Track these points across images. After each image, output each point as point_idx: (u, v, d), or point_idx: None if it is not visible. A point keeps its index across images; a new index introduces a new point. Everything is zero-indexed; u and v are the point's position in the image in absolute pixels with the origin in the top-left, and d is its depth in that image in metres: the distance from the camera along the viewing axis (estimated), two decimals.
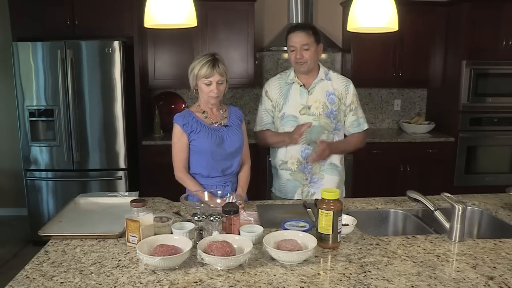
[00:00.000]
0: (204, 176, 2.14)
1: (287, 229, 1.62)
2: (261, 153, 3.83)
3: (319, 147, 2.20)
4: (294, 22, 4.09)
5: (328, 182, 2.34)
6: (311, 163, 2.30)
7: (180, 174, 2.13)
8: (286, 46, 2.30)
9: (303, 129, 2.19)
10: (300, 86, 2.33)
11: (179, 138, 2.11)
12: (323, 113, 2.30)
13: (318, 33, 2.29)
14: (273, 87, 2.39)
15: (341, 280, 1.33)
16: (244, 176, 2.24)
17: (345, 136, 2.42)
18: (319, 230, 1.55)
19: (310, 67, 2.29)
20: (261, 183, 3.90)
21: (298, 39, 2.23)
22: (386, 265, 1.43)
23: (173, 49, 4.04)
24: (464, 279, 1.34)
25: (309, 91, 2.32)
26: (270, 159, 2.54)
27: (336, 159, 2.37)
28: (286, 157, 2.37)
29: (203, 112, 2.14)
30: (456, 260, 1.48)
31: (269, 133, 2.41)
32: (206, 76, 2.01)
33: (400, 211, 2.01)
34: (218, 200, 1.90)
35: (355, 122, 2.38)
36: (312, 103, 2.31)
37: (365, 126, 2.41)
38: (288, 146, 2.33)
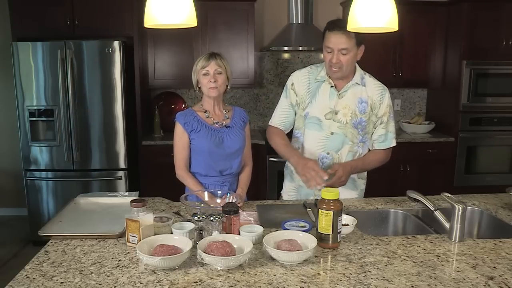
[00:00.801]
0: (202, 175, 2.15)
1: (287, 229, 1.62)
2: (261, 153, 3.83)
3: (335, 175, 1.94)
4: (294, 22, 4.10)
5: (344, 194, 2.05)
6: (311, 187, 1.98)
7: (181, 172, 2.13)
8: (323, 44, 2.04)
9: (315, 181, 1.90)
10: (331, 87, 2.09)
11: (180, 137, 2.12)
12: (350, 122, 2.08)
13: (361, 35, 1.99)
14: (301, 81, 2.15)
15: (341, 280, 1.33)
16: (245, 177, 2.24)
17: (369, 150, 2.21)
18: (319, 230, 1.55)
19: (345, 74, 2.05)
20: (261, 183, 3.91)
21: (337, 40, 1.96)
22: (386, 265, 1.43)
23: (173, 49, 4.04)
24: (464, 279, 1.34)
25: (339, 94, 2.09)
26: (286, 162, 2.30)
27: (355, 174, 2.16)
28: None
29: (205, 112, 2.15)
30: (456, 260, 1.48)
31: (282, 140, 2.17)
32: (203, 67, 2.06)
33: (400, 211, 2.01)
34: (218, 200, 1.90)
35: (382, 137, 2.16)
36: (340, 109, 2.08)
37: (392, 143, 2.20)
38: (305, 149, 2.14)
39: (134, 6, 3.73)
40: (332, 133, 2.10)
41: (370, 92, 2.10)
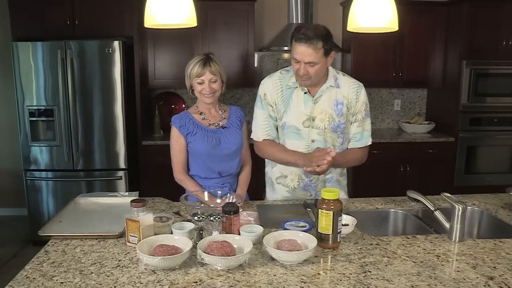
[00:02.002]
0: (202, 178, 2.14)
1: (287, 229, 1.62)
2: None
3: (326, 159, 1.84)
4: (294, 22, 4.09)
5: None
6: (308, 172, 1.96)
7: (180, 176, 2.13)
8: (290, 50, 1.95)
9: (326, 161, 1.82)
10: (305, 93, 2.01)
11: (176, 140, 2.12)
12: (328, 126, 2.01)
13: (330, 39, 1.89)
14: (273, 90, 2.05)
15: (341, 280, 1.33)
16: (244, 177, 2.23)
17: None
18: (319, 230, 1.55)
19: (315, 82, 1.96)
20: (261, 183, 3.90)
21: (303, 52, 1.85)
22: (386, 265, 1.43)
23: (173, 49, 4.04)
24: (464, 279, 1.34)
25: (315, 100, 2.00)
26: (265, 168, 2.24)
27: (337, 173, 2.14)
28: (286, 171, 2.10)
29: (201, 113, 2.14)
30: (456, 260, 1.48)
31: (276, 147, 2.08)
32: (198, 75, 2.03)
33: (400, 211, 2.01)
34: (218, 200, 1.90)
35: (358, 135, 2.08)
36: (317, 114, 2.00)
37: (368, 142, 2.11)
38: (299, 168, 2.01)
39: (134, 6, 3.73)
40: (313, 141, 2.02)
41: (345, 92, 2.02)
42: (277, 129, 2.11)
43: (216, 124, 2.14)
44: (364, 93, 2.07)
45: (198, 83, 2.05)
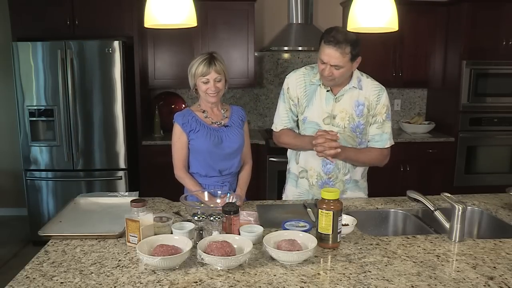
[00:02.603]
0: (202, 176, 2.15)
1: (287, 229, 1.61)
2: (261, 153, 3.83)
3: (330, 137, 1.89)
4: (294, 22, 4.09)
5: (354, 195, 2.15)
6: (319, 155, 1.97)
7: (180, 173, 2.13)
8: (319, 50, 1.95)
9: (327, 138, 1.89)
10: (327, 91, 2.04)
11: (178, 137, 2.12)
12: (348, 126, 2.04)
13: (359, 45, 1.90)
14: (297, 85, 2.09)
15: (341, 280, 1.33)
16: (244, 176, 2.24)
17: None
18: (319, 230, 1.55)
19: (339, 83, 2.00)
20: (261, 183, 3.91)
21: (330, 55, 1.88)
22: (386, 265, 1.43)
23: (173, 49, 4.04)
24: (464, 279, 1.34)
25: (336, 98, 2.04)
26: (288, 165, 2.27)
27: (357, 175, 2.16)
28: (307, 166, 2.13)
29: (203, 112, 2.15)
30: (456, 260, 1.48)
31: (290, 132, 2.14)
32: (203, 74, 2.03)
33: (400, 211, 2.01)
34: (218, 200, 1.90)
35: (377, 136, 2.09)
36: (337, 113, 2.04)
37: (387, 144, 2.11)
38: (308, 152, 2.08)
39: (134, 6, 3.73)
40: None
41: (367, 93, 2.05)
42: (297, 123, 2.16)
43: (218, 123, 2.14)
44: (386, 96, 2.09)
45: (203, 83, 2.05)
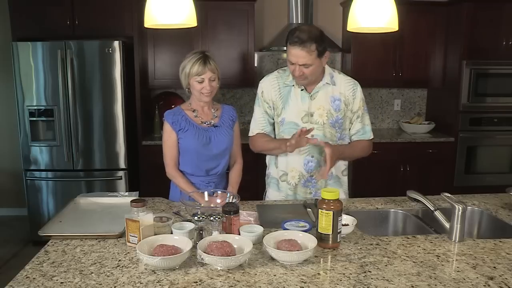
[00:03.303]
0: (188, 174, 2.17)
1: (287, 229, 1.62)
2: (260, 153, 3.82)
3: (326, 157, 1.92)
4: (294, 22, 4.09)
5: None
6: (318, 179, 2.07)
7: (172, 172, 2.15)
8: (286, 52, 1.99)
9: (303, 140, 1.91)
10: (302, 90, 2.07)
11: (169, 135, 2.14)
12: (327, 122, 2.07)
13: (324, 41, 1.94)
14: (270, 88, 2.12)
15: (341, 280, 1.33)
16: (235, 175, 2.26)
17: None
18: (319, 230, 1.55)
19: (312, 80, 2.03)
20: (261, 183, 3.90)
21: (297, 55, 1.91)
22: (386, 265, 1.43)
23: (173, 49, 4.04)
24: (464, 279, 1.34)
25: (311, 96, 2.07)
26: (267, 170, 2.28)
27: (339, 171, 2.18)
28: (287, 168, 2.14)
29: (194, 111, 2.16)
30: (456, 260, 1.48)
31: (265, 137, 2.15)
32: (198, 74, 2.04)
33: (400, 211, 2.01)
34: (218, 200, 1.89)
35: (361, 130, 2.15)
36: (315, 110, 2.07)
37: (370, 136, 2.18)
38: (288, 155, 2.08)
39: (134, 6, 3.72)
40: (312, 136, 2.03)
41: (342, 89, 2.09)
42: (273, 126, 2.17)
43: (208, 123, 2.16)
44: (360, 90, 2.13)
45: (198, 82, 2.06)
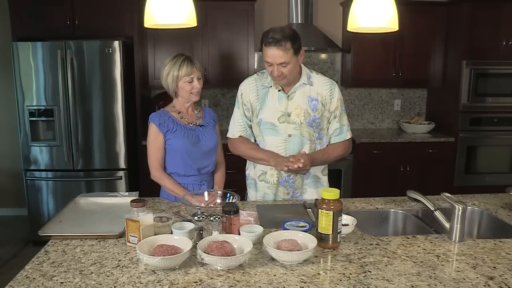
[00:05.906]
0: (180, 175, 2.18)
1: (287, 229, 1.62)
2: None
3: (300, 162, 1.96)
4: (294, 22, 4.09)
5: (312, 195, 2.17)
6: (287, 172, 2.08)
7: (157, 173, 2.16)
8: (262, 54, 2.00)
9: (295, 166, 1.95)
10: (279, 91, 2.10)
11: (155, 137, 2.14)
12: (304, 121, 2.09)
13: (298, 38, 1.97)
14: (249, 90, 2.15)
15: (341, 280, 1.33)
16: (220, 176, 2.31)
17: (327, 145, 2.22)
18: (319, 230, 1.55)
19: (290, 80, 2.05)
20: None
21: (273, 55, 1.94)
22: (386, 265, 1.43)
23: (173, 49, 4.02)
24: (464, 279, 1.34)
25: (288, 96, 2.09)
26: (246, 171, 2.29)
27: (318, 170, 2.19)
28: (266, 168, 2.16)
29: (179, 113, 2.19)
30: (456, 260, 1.48)
31: (249, 144, 2.18)
32: (188, 74, 2.09)
33: (400, 211, 2.01)
34: (218, 200, 1.89)
35: (337, 130, 2.17)
36: (292, 110, 2.09)
37: (347, 136, 2.19)
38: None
39: (134, 6, 3.73)
40: (289, 135, 2.09)
41: (319, 89, 2.11)
42: (251, 128, 2.20)
43: (193, 123, 2.20)
44: (338, 90, 2.15)
45: (188, 82, 2.11)
